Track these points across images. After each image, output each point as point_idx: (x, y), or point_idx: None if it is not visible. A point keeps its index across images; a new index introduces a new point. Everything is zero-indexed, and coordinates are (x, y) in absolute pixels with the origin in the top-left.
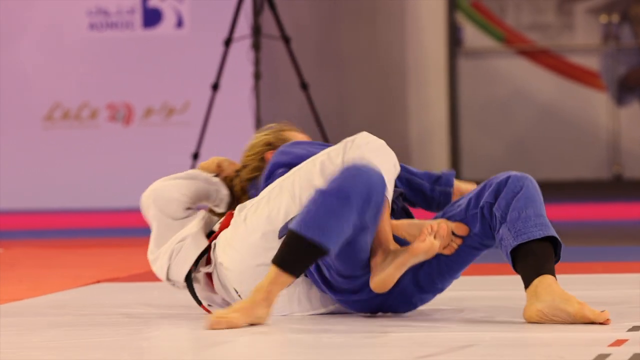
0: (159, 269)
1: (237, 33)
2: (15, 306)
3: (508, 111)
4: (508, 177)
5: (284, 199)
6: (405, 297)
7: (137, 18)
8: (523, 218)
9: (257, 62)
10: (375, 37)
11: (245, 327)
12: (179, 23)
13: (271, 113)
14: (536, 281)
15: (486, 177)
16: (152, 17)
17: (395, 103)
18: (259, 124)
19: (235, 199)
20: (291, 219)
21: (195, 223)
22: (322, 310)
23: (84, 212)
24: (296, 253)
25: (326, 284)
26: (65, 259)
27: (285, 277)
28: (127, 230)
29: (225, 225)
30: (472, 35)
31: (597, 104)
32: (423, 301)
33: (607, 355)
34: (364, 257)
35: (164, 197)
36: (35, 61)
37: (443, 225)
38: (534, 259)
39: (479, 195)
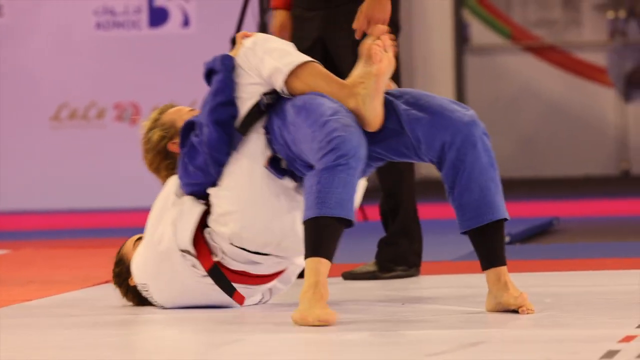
0: (166, 243)
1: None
2: (25, 307)
3: (515, 108)
4: (458, 130)
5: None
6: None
7: (144, 17)
8: (468, 197)
9: None
10: None
11: (255, 323)
12: (186, 22)
13: None
14: (485, 273)
15: None
16: (158, 17)
17: None
18: None
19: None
20: (237, 126)
21: (188, 197)
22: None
23: (92, 212)
24: (329, 238)
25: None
26: (74, 259)
27: (326, 265)
28: (135, 230)
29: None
30: (479, 32)
31: (605, 100)
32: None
33: (617, 351)
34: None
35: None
36: (43, 61)
37: (385, 38)
38: (486, 247)
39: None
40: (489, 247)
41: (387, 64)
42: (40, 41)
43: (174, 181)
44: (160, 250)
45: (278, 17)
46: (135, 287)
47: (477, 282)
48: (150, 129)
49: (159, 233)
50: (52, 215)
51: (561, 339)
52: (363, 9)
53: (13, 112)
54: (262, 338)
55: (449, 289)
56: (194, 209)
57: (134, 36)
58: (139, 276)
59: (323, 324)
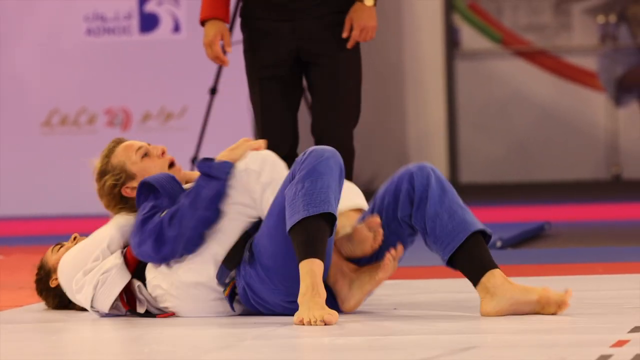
0: (82, 297)
1: (235, 37)
2: (16, 312)
3: (506, 112)
4: (411, 177)
5: (210, 245)
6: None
7: (134, 23)
8: (441, 226)
9: None
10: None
11: (248, 330)
12: (176, 28)
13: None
14: (484, 279)
15: (485, 178)
16: (149, 22)
17: (392, 105)
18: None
19: None
20: (224, 260)
21: (118, 254)
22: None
23: (82, 218)
24: (317, 237)
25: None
26: None
27: (321, 266)
28: None
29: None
30: (469, 37)
31: (596, 104)
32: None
33: (609, 356)
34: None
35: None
36: (33, 67)
37: (400, 247)
38: (471, 260)
39: (391, 208)
40: (480, 256)
41: (390, 274)
42: (31, 47)
43: (114, 229)
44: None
45: (213, 27)
46: (57, 287)
47: (469, 287)
48: (102, 173)
49: (80, 281)
50: (44, 221)
51: (553, 343)
52: (353, 18)
53: (3, 117)
54: (254, 344)
55: (441, 294)
56: (117, 281)
57: (125, 42)
58: (67, 274)
59: (327, 323)
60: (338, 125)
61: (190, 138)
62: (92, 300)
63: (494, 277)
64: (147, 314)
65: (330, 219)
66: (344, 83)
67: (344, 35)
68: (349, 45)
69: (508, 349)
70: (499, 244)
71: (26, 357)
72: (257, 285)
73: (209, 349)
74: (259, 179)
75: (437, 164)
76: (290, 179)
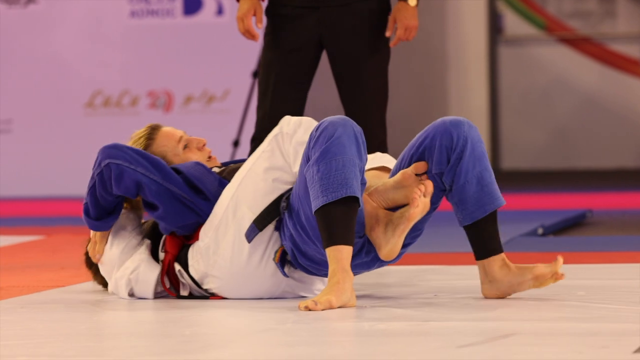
0: (123, 296)
1: None
2: (57, 292)
3: (549, 99)
4: (446, 133)
5: (245, 215)
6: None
7: (178, 5)
8: (468, 191)
9: None
10: None
11: (290, 313)
12: (220, 10)
13: (311, 99)
14: (485, 262)
15: (527, 165)
16: (192, 5)
17: (435, 91)
18: None
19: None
20: (255, 219)
21: (143, 250)
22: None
23: None
24: (340, 222)
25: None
26: None
27: (346, 250)
28: None
29: (171, 251)
30: (513, 23)
31: (639, 92)
32: (411, 242)
33: None
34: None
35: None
36: (77, 48)
37: (429, 182)
38: (482, 237)
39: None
40: (491, 235)
41: (422, 210)
42: (75, 29)
43: (113, 232)
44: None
45: (247, 1)
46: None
47: None
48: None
49: (114, 286)
50: None
51: (593, 332)
52: (397, 17)
53: (47, 99)
54: (293, 328)
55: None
56: (149, 275)
57: (168, 24)
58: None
59: (343, 306)
60: (365, 111)
61: (232, 121)
62: (134, 296)
63: (494, 263)
64: (197, 296)
65: (351, 199)
66: (369, 69)
67: (387, 34)
68: (392, 44)
69: (548, 336)
70: (540, 231)
71: (67, 337)
72: (302, 246)
73: (248, 332)
74: (292, 140)
75: None
76: (306, 159)
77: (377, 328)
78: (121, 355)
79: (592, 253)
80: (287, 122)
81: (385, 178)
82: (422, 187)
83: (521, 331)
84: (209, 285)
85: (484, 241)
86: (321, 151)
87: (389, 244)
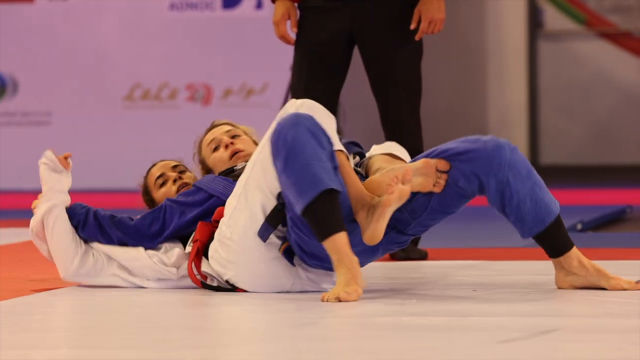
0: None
1: None
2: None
3: (589, 94)
4: (490, 164)
5: (256, 197)
6: (400, 234)
7: None
8: (524, 211)
9: None
10: (455, 19)
11: (328, 307)
12: (259, 4)
13: (348, 93)
14: (562, 259)
15: (566, 160)
16: None
17: (474, 85)
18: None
19: None
20: (268, 215)
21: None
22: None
23: None
24: (324, 216)
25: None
26: None
27: (341, 238)
28: None
29: (202, 237)
30: (553, 18)
31: None
32: (415, 234)
33: None
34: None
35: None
36: (116, 41)
37: (407, 169)
38: (551, 241)
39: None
40: (559, 236)
41: (397, 197)
42: (114, 21)
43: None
44: None
45: (282, 6)
46: None
47: (548, 270)
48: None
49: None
50: (125, 194)
51: (634, 328)
52: (422, 10)
53: (87, 91)
54: (332, 322)
55: (520, 276)
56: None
57: (208, 17)
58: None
59: (342, 300)
60: (396, 104)
61: (271, 114)
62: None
63: (570, 259)
64: (221, 288)
65: (327, 191)
66: (400, 62)
67: (412, 27)
68: (417, 37)
69: (589, 333)
70: (579, 226)
71: (110, 329)
72: (305, 247)
73: (290, 326)
74: None
75: (518, 144)
76: (276, 169)
77: (416, 323)
78: (167, 347)
79: (631, 249)
80: (292, 105)
81: (397, 163)
82: (400, 175)
83: (562, 327)
84: (227, 274)
85: (552, 244)
86: (284, 159)
87: (370, 228)
